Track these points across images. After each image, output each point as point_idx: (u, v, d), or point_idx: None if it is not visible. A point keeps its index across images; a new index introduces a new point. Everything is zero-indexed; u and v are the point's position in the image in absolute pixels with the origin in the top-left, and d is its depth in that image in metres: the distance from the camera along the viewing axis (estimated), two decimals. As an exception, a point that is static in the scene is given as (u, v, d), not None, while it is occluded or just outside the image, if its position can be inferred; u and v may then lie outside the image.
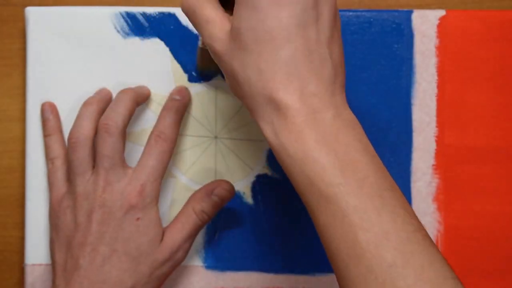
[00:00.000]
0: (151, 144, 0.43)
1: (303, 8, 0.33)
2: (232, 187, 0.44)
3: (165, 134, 0.43)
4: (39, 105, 0.46)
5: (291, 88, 0.33)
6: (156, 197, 0.42)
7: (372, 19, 0.46)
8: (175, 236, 0.42)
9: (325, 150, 0.32)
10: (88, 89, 0.46)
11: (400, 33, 0.46)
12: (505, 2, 0.48)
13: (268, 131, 0.34)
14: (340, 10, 0.46)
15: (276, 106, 0.33)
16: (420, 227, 0.33)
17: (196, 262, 0.46)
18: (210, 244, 0.47)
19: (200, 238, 0.46)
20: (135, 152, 0.46)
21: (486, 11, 0.47)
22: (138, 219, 0.41)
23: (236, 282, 0.46)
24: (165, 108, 0.45)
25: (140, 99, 0.45)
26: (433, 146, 0.46)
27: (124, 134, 0.43)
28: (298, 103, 0.33)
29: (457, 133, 0.46)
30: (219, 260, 0.46)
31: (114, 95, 0.46)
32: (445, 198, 0.46)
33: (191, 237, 0.43)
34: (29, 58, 0.46)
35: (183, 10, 0.36)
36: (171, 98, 0.45)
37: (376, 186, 0.32)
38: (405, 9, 0.47)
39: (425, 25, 0.46)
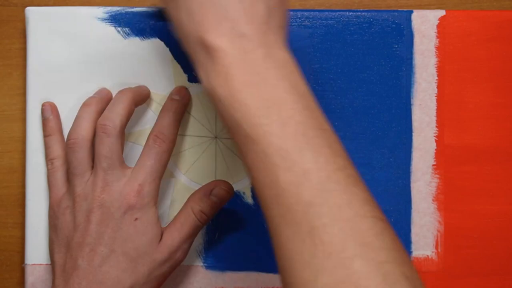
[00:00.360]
0: (149, 144, 0.42)
1: None
2: (230, 187, 0.44)
3: (164, 134, 0.43)
4: (39, 105, 0.46)
5: (221, 29, 0.33)
6: (155, 197, 0.42)
7: (372, 19, 0.46)
8: (174, 236, 0.42)
9: (251, 91, 0.32)
10: (88, 89, 0.46)
11: (400, 33, 0.46)
12: (505, 2, 0.48)
13: (202, 75, 0.33)
14: (340, 10, 0.46)
15: (207, 48, 0.33)
16: (344, 166, 0.32)
17: (196, 262, 0.46)
18: (210, 244, 0.47)
19: (200, 238, 0.46)
20: (135, 152, 0.46)
21: (486, 11, 0.47)
22: (136, 219, 0.41)
23: (236, 282, 0.46)
24: (164, 108, 0.44)
25: (139, 99, 0.45)
26: (433, 146, 0.46)
27: (123, 134, 0.43)
28: (227, 45, 0.32)
29: (457, 133, 0.46)
30: (219, 260, 0.46)
31: (114, 95, 0.46)
32: (445, 198, 0.46)
33: (190, 237, 0.43)
34: (29, 58, 0.46)
35: None
36: (170, 98, 0.45)
37: (302, 126, 0.32)
38: (405, 9, 0.47)
39: (425, 25, 0.46)
